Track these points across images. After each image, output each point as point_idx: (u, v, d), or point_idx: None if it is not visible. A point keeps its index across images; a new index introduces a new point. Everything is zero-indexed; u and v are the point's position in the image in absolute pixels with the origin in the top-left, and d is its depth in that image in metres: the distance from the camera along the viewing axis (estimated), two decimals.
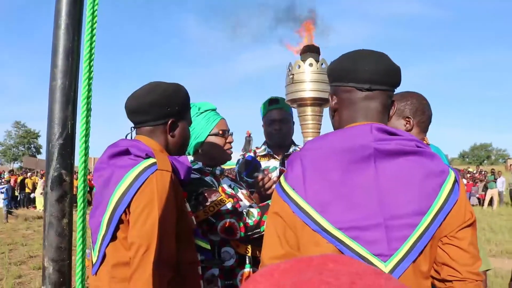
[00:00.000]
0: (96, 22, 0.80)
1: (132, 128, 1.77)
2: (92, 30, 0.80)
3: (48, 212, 0.80)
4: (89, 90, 0.81)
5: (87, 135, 0.81)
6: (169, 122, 1.72)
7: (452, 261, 1.20)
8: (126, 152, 1.64)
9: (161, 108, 1.69)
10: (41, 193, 19.38)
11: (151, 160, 1.58)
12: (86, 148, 0.82)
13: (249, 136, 3.73)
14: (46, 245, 0.80)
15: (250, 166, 2.35)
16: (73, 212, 0.87)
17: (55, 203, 0.80)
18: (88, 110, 0.81)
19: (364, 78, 1.26)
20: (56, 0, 0.82)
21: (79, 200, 0.80)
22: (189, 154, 2.27)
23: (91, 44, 0.80)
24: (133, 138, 1.76)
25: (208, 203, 2.02)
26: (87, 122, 0.81)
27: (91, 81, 0.81)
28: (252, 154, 2.88)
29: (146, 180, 1.52)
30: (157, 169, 1.55)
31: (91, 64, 0.81)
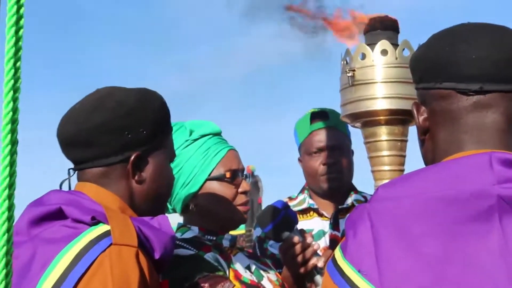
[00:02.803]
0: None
1: (71, 171, 1.78)
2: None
3: None
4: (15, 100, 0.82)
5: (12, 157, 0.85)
6: (132, 158, 1.72)
7: None
8: (59, 215, 1.63)
9: (116, 135, 1.70)
10: None
11: (101, 228, 1.58)
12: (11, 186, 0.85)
13: (252, 174, 3.71)
14: None
15: (278, 218, 2.30)
16: None
17: None
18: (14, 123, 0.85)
19: (471, 73, 1.28)
20: None
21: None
22: (174, 212, 2.30)
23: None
24: (72, 188, 1.78)
25: None
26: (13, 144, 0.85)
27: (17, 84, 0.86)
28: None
29: (93, 263, 1.52)
30: (112, 244, 1.54)
31: (17, 66, 0.87)
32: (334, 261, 1.27)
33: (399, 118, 2.11)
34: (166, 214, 2.06)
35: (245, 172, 2.30)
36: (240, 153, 2.32)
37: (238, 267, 2.22)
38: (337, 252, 1.28)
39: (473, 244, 1.16)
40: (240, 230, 3.41)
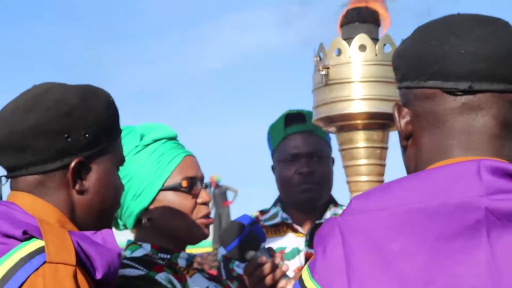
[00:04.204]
0: None
1: (3, 178, 1.72)
2: None
3: None
4: None
5: None
6: (72, 165, 1.65)
7: None
8: None
9: (54, 138, 1.64)
10: None
11: (34, 244, 1.51)
12: None
13: (216, 186, 3.74)
14: None
15: (242, 235, 2.19)
16: None
17: None
18: None
19: (459, 70, 1.24)
20: None
21: None
22: (125, 228, 2.23)
23: None
24: (4, 198, 1.73)
25: None
26: None
27: None
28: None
29: (24, 284, 1.46)
30: (46, 262, 1.48)
31: None
32: (301, 281, 1.24)
33: (379, 122, 2.09)
34: (117, 231, 2.12)
35: (205, 181, 2.24)
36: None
37: None
38: (305, 272, 1.24)
39: (458, 262, 1.14)
40: (207, 248, 3.36)
